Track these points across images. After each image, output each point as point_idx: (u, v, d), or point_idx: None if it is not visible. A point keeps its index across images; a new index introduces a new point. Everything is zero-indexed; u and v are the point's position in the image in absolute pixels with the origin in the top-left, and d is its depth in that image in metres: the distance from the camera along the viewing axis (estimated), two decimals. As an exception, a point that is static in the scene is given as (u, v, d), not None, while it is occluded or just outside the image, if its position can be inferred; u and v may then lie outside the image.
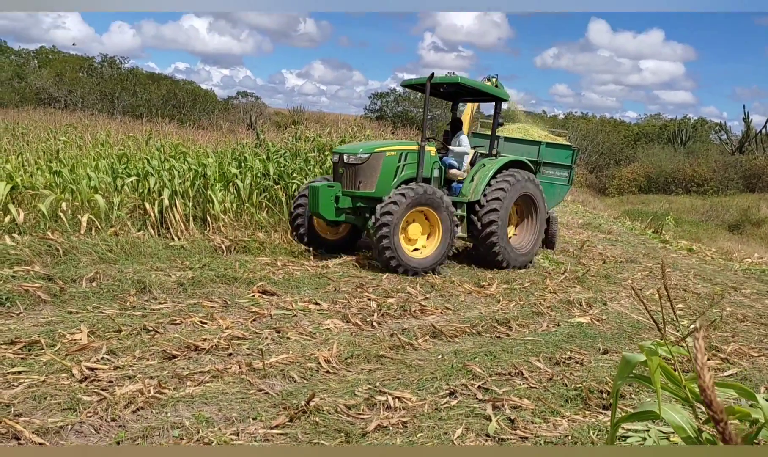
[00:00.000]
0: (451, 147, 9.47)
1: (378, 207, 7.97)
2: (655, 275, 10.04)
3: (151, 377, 4.09)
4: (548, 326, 6.35)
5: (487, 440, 3.60)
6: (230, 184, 10.24)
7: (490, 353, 5.18)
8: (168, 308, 5.77)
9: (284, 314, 5.91)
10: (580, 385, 4.47)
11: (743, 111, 48.60)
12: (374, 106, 46.13)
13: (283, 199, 10.34)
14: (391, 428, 3.65)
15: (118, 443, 3.31)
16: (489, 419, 3.84)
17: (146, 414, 3.60)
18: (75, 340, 4.65)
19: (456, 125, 9.93)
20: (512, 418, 3.87)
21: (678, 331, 5.39)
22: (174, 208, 8.96)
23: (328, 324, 5.69)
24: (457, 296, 7.28)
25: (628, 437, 3.43)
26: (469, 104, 11.59)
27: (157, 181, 9.38)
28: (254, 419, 3.66)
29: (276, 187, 10.73)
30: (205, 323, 5.39)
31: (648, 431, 3.49)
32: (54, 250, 6.99)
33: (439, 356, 5.09)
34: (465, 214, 8.92)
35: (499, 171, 9.09)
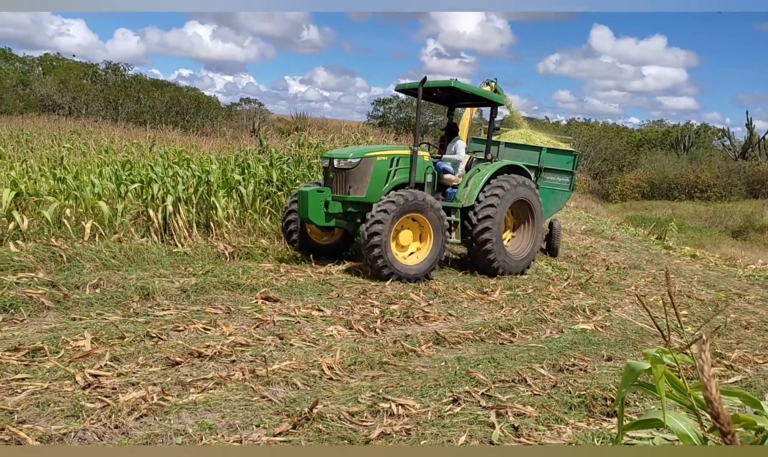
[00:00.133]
0: (446, 155, 9.43)
1: (368, 214, 7.89)
2: (659, 281, 10.02)
3: (155, 384, 4.09)
4: (552, 333, 6.34)
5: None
6: (233, 190, 10.27)
7: (493, 360, 5.17)
8: (171, 314, 5.78)
9: (287, 320, 5.91)
10: (584, 392, 4.46)
11: (746, 117, 48.30)
12: (377, 113, 46.22)
13: (286, 206, 10.35)
14: (394, 435, 3.64)
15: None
16: (492, 426, 3.83)
17: (149, 421, 3.60)
18: (78, 347, 4.65)
19: (452, 130, 9.87)
20: (516, 425, 3.86)
21: (682, 338, 5.38)
22: (177, 215, 8.99)
23: (331, 331, 5.68)
24: (460, 302, 7.27)
25: (632, 444, 3.41)
26: (468, 109, 11.56)
27: (161, 187, 9.41)
28: (257, 426, 3.65)
29: (279, 193, 10.76)
30: (209, 330, 5.39)
31: (652, 438, 3.48)
32: (58, 256, 7.01)
33: (443, 363, 5.08)
34: (459, 219, 8.81)
35: (494, 176, 8.99)
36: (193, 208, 9.39)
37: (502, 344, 5.85)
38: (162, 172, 10.03)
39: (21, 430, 3.32)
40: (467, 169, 9.45)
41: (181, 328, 5.36)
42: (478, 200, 8.71)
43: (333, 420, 3.74)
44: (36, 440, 3.26)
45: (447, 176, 9.21)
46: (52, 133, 18.97)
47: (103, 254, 7.37)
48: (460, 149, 9.45)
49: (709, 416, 1.81)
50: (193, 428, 3.54)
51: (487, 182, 8.87)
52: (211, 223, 9.45)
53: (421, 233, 8.36)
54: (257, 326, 5.63)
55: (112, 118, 32.29)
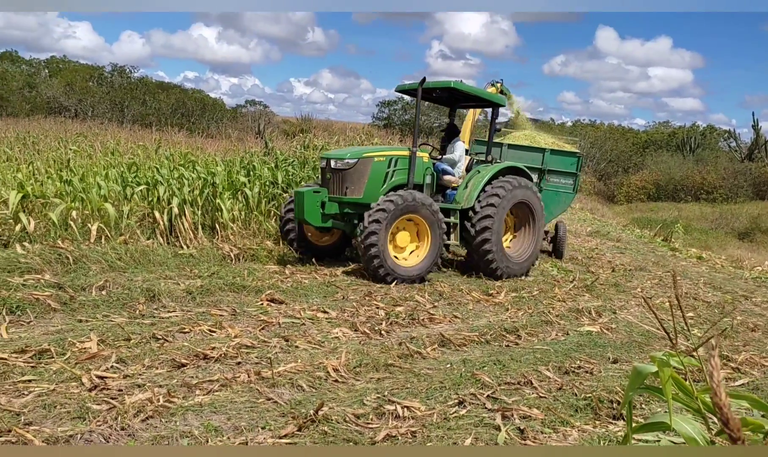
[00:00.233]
0: (445, 156, 9.37)
1: (366, 215, 7.81)
2: (665, 283, 9.98)
3: (161, 386, 4.10)
4: (557, 335, 6.32)
5: (496, 450, 3.59)
6: (239, 192, 10.29)
7: (498, 362, 5.16)
8: (177, 316, 5.79)
9: (293, 322, 5.91)
10: (590, 395, 4.45)
11: (752, 118, 48.36)
12: (382, 114, 46.31)
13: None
14: (400, 437, 3.64)
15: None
16: (498, 428, 3.82)
17: (155, 423, 3.61)
18: (85, 348, 4.67)
19: (451, 131, 9.79)
20: (522, 428, 3.85)
21: (689, 340, 5.35)
22: (183, 217, 9.00)
23: (337, 333, 5.68)
24: (466, 304, 7.26)
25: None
26: (471, 111, 11.50)
27: (167, 189, 9.43)
28: (263, 428, 3.66)
29: (284, 195, 10.77)
30: (214, 332, 5.40)
31: (659, 441, 3.47)
32: (64, 258, 7.04)
33: (448, 365, 5.08)
34: (458, 221, 8.72)
35: (495, 177, 8.91)
36: (198, 210, 9.41)
37: (508, 346, 5.84)
38: (168, 174, 10.05)
39: (28, 431, 3.34)
40: (468, 170, 9.40)
41: (186, 330, 5.37)
42: (478, 201, 8.64)
43: (338, 422, 3.74)
44: (42, 441, 3.27)
45: (447, 178, 9.14)
46: (58, 135, 19.05)
47: (109, 255, 7.39)
48: (457, 150, 9.36)
49: (715, 419, 1.80)
50: (199, 429, 3.55)
51: (488, 184, 8.80)
52: (217, 225, 9.47)
53: (418, 234, 8.30)
54: (262, 328, 5.64)
55: (118, 120, 32.43)
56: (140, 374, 4.31)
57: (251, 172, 11.17)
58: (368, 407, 4.02)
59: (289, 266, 8.30)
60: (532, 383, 4.70)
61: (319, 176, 9.17)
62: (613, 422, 4.09)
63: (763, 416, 1.74)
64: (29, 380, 4.04)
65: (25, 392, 3.85)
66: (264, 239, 9.58)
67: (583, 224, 18.33)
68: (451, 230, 8.70)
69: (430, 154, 9.22)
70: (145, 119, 33.46)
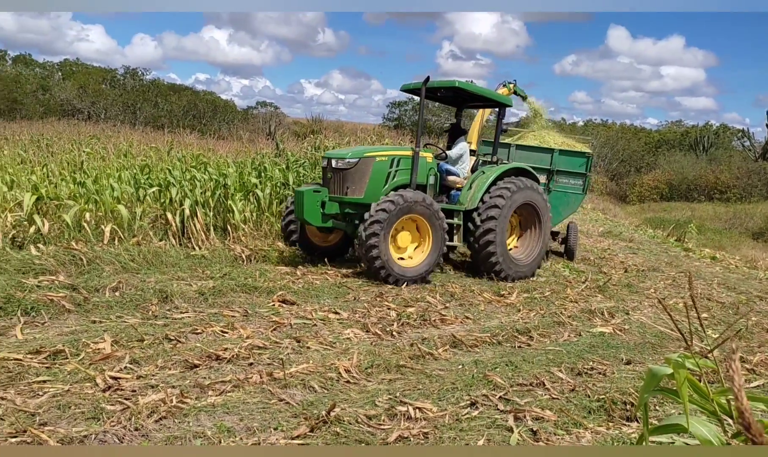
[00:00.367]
0: (448, 152, 9.26)
1: (366, 215, 7.73)
2: (678, 284, 9.91)
3: (174, 387, 4.12)
4: (570, 336, 6.29)
5: (508, 452, 3.57)
6: (250, 193, 10.33)
7: (511, 363, 5.14)
8: (189, 317, 5.82)
9: (304, 323, 5.92)
10: (603, 396, 4.42)
11: (766, 117, 47.77)
12: (392, 115, 46.31)
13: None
14: (412, 438, 3.64)
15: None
16: (511, 430, 3.81)
17: (169, 423, 3.63)
18: (99, 349, 4.70)
19: (455, 131, 9.68)
20: (534, 429, 3.83)
21: (703, 342, 5.31)
22: (195, 218, 9.05)
23: (348, 334, 5.69)
24: (477, 305, 7.25)
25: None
26: (480, 111, 11.43)
27: (179, 191, 9.48)
28: (275, 429, 3.66)
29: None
30: (226, 333, 5.42)
31: (673, 443, 3.44)
32: (78, 260, 7.09)
33: (460, 366, 5.07)
34: (461, 222, 8.63)
35: (500, 178, 8.82)
36: (210, 211, 9.45)
37: (520, 347, 5.82)
38: (180, 175, 10.10)
39: (42, 432, 3.36)
40: (473, 171, 9.32)
41: (199, 331, 5.39)
42: (482, 202, 8.55)
43: (350, 423, 3.75)
44: (57, 441, 3.30)
45: (451, 178, 9.04)
46: (71, 137, 19.22)
47: (122, 257, 7.44)
48: (456, 148, 9.25)
49: (730, 422, 1.79)
50: (211, 430, 3.57)
51: (492, 184, 8.71)
52: (228, 227, 9.51)
53: (419, 235, 8.22)
54: (274, 329, 5.66)
55: (131, 122, 32.65)
56: (153, 375, 4.34)
57: (262, 174, 11.21)
58: (380, 408, 4.02)
59: (300, 267, 8.32)
60: (544, 385, 4.67)
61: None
62: (627, 423, 4.06)
63: (779, 418, 1.72)
64: (44, 381, 4.08)
65: (40, 393, 3.88)
66: (275, 240, 9.60)
67: (595, 225, 18.23)
68: (455, 231, 8.62)
69: (435, 154, 9.14)
70: (157, 121, 33.66)
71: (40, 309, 5.56)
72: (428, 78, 8.43)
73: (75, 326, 5.33)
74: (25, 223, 7.88)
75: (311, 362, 4.80)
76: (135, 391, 4.02)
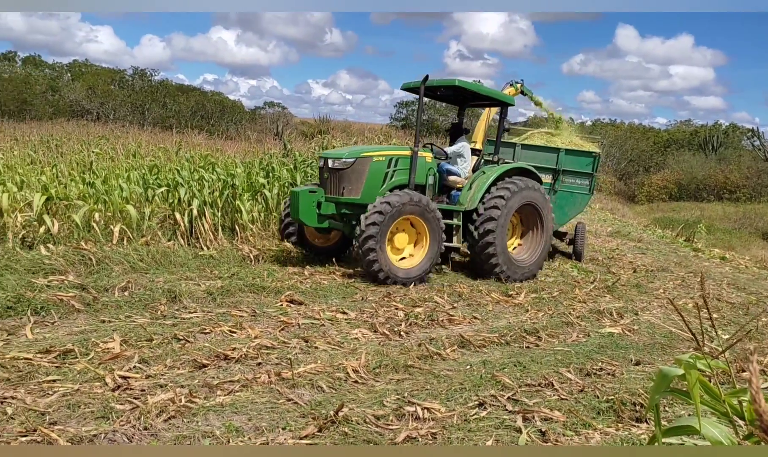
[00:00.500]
0: (448, 149, 9.17)
1: (363, 216, 7.64)
2: (688, 284, 9.85)
3: (182, 386, 4.13)
4: (578, 336, 6.27)
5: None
6: (258, 194, 10.35)
7: (519, 364, 5.12)
8: (198, 317, 5.84)
9: (312, 323, 5.93)
10: (613, 397, 4.40)
11: (776, 116, 47.37)
12: (400, 115, 46.30)
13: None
14: (420, 439, 3.63)
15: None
16: (519, 431, 3.80)
17: (178, 423, 3.64)
18: (108, 349, 4.72)
19: (456, 130, 9.56)
20: (543, 430, 3.82)
21: (713, 342, 5.28)
22: (203, 218, 9.08)
23: (356, 334, 5.69)
24: (485, 305, 7.23)
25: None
26: (485, 110, 11.37)
27: (187, 191, 9.51)
28: (284, 428, 3.67)
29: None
30: (234, 333, 5.43)
31: (683, 444, 3.42)
32: (87, 260, 7.13)
33: (468, 367, 5.05)
34: (460, 223, 8.52)
35: (501, 178, 8.70)
36: (218, 211, 9.48)
37: (528, 347, 5.80)
38: (188, 176, 10.13)
39: (52, 431, 3.38)
40: (475, 170, 9.22)
41: (207, 330, 5.41)
42: (482, 202, 8.43)
43: (358, 424, 3.75)
44: (67, 441, 3.32)
45: (452, 178, 8.94)
46: (81, 138, 19.31)
47: (131, 257, 7.48)
48: (458, 148, 9.16)
49: (741, 423, 1.77)
50: (220, 430, 3.57)
51: (493, 184, 8.60)
52: (236, 227, 9.53)
53: (417, 235, 8.14)
54: (282, 329, 5.66)
55: (139, 123, 32.79)
56: (162, 375, 4.35)
57: (270, 174, 11.23)
58: (388, 409, 4.02)
59: (308, 267, 8.33)
60: (553, 385, 4.66)
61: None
62: (636, 424, 4.04)
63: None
64: (54, 380, 4.10)
65: (50, 392, 3.90)
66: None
67: (603, 225, 18.15)
68: (454, 232, 8.53)
69: (435, 154, 9.00)
70: (166, 122, 33.78)
71: (49, 309, 5.59)
72: (427, 77, 8.36)
73: (84, 325, 5.36)
74: (35, 223, 7.93)
75: (319, 362, 4.80)
76: (144, 390, 4.04)
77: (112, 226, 8.21)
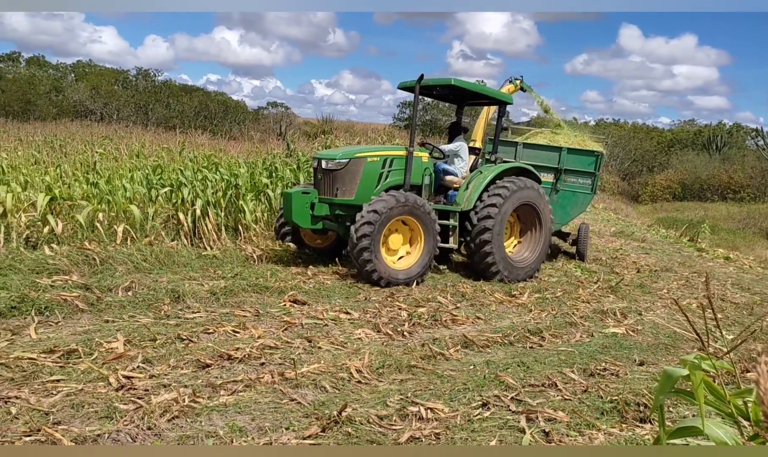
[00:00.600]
0: (442, 148, 9.11)
1: (357, 217, 7.58)
2: (692, 284, 9.83)
3: (186, 386, 4.13)
4: (582, 337, 6.26)
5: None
6: (261, 194, 10.36)
7: (522, 364, 5.12)
8: (201, 317, 5.84)
9: (315, 323, 5.93)
10: (616, 397, 4.39)
11: (781, 116, 47.23)
12: (403, 115, 46.26)
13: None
14: (423, 439, 3.63)
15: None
16: (523, 431, 3.79)
17: (181, 423, 3.64)
18: (112, 349, 4.73)
19: (454, 130, 9.50)
20: (547, 431, 3.81)
21: (717, 342, 5.26)
22: (206, 218, 9.09)
23: (359, 334, 5.69)
24: (488, 305, 7.22)
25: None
26: (484, 109, 11.32)
27: (191, 191, 9.52)
28: (287, 428, 3.67)
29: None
30: (238, 333, 5.44)
31: (687, 445, 3.41)
32: (91, 260, 7.14)
33: (471, 367, 5.05)
34: (457, 223, 8.44)
35: (498, 178, 8.62)
36: (221, 211, 9.49)
37: (532, 347, 5.80)
38: (191, 176, 10.15)
39: (56, 431, 3.39)
40: (473, 170, 9.15)
41: (210, 330, 5.41)
42: (480, 201, 8.36)
43: (362, 424, 3.74)
44: (71, 441, 3.32)
45: (449, 178, 8.88)
46: (84, 138, 19.36)
47: (135, 257, 7.49)
48: (455, 147, 9.10)
49: (746, 424, 1.77)
50: (223, 430, 3.58)
51: (490, 184, 8.52)
52: (240, 227, 9.54)
53: (411, 236, 8.08)
54: (285, 329, 5.67)
55: (143, 123, 32.80)
56: (166, 375, 4.36)
57: (273, 174, 11.25)
58: (391, 409, 4.02)
59: (311, 267, 8.33)
60: (556, 385, 4.65)
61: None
62: (640, 425, 4.03)
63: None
64: (57, 380, 4.11)
65: (54, 392, 3.91)
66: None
67: (606, 224, 18.12)
68: (451, 232, 8.47)
69: (431, 154, 8.91)
70: (169, 122, 33.80)
71: (53, 309, 5.60)
72: (422, 76, 8.30)
73: (88, 325, 5.37)
74: (39, 223, 7.95)
75: (322, 362, 4.80)
76: (148, 390, 4.04)
77: (115, 227, 8.22)
